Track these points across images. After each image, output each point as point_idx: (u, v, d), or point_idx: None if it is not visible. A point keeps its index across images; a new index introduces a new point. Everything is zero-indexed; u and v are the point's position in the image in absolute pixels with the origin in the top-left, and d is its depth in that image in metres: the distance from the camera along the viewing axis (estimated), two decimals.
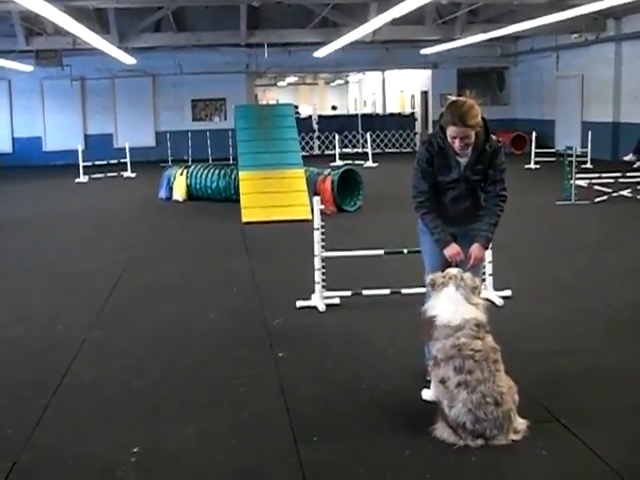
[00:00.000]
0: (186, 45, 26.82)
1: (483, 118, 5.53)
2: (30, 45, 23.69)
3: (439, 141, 5.63)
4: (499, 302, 8.15)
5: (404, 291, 8.27)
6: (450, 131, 5.46)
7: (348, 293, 8.42)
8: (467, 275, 5.28)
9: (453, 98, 5.58)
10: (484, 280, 7.75)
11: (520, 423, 4.99)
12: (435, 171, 5.69)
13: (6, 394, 6.07)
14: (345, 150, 28.72)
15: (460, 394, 4.88)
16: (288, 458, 4.83)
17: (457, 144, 5.48)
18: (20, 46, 23.38)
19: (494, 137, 5.68)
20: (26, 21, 22.01)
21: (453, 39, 24.75)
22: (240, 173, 15.50)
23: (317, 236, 8.26)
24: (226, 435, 5.19)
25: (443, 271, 5.48)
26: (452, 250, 5.65)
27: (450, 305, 5.15)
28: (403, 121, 32.29)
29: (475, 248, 5.65)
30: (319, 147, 30.96)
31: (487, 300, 6.14)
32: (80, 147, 24.17)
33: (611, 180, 16.09)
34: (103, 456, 4.93)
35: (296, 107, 37.09)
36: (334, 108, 47.79)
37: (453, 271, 5.31)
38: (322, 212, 8.40)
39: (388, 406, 5.59)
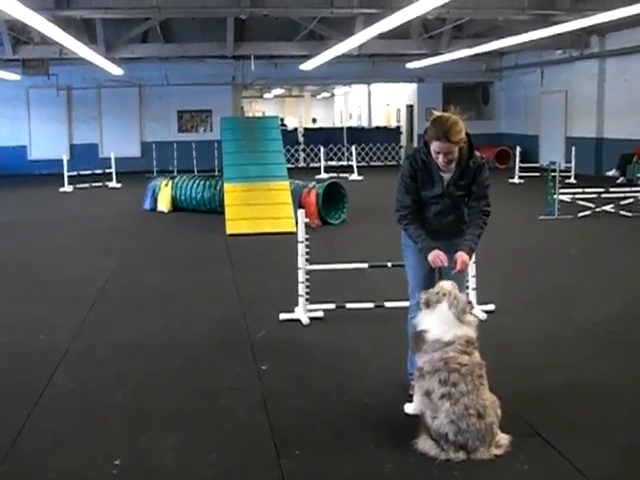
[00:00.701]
0: (173, 56, 26.89)
1: (467, 134, 5.54)
2: (17, 54, 23.70)
3: (423, 156, 5.64)
4: (482, 316, 8.15)
5: (388, 305, 8.28)
6: (434, 146, 5.47)
7: (332, 306, 8.42)
8: (460, 295, 5.27)
9: (438, 113, 5.58)
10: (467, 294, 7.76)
11: (502, 438, 5.00)
12: (419, 186, 5.71)
13: None
14: (330, 163, 28.72)
15: (443, 405, 4.90)
16: (270, 471, 4.82)
17: (440, 159, 5.50)
18: (7, 55, 23.38)
19: (478, 153, 5.70)
20: (13, 30, 22.02)
21: (439, 54, 24.88)
22: (225, 185, 15.50)
23: (301, 249, 8.26)
24: (208, 447, 5.17)
25: (427, 287, 5.49)
26: (434, 255, 5.60)
27: (442, 324, 5.15)
28: (388, 134, 32.35)
29: (459, 255, 5.62)
30: (304, 159, 30.98)
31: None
32: (65, 156, 24.21)
33: (594, 195, 16.15)
34: (84, 468, 4.90)
35: (282, 120, 37.15)
36: (314, 121, 47.94)
37: (447, 287, 5.28)
38: (307, 225, 8.41)
39: (371, 419, 5.60)
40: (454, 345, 5.05)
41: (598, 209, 15.68)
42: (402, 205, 5.77)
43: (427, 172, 5.66)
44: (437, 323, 5.17)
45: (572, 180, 21.47)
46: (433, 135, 5.45)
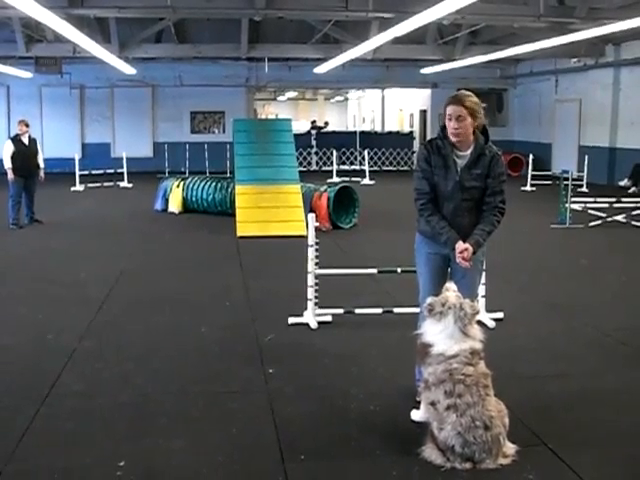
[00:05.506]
0: (186, 57, 26.87)
1: (484, 126, 5.64)
2: (30, 51, 23.57)
3: (438, 141, 5.70)
4: (491, 324, 8.13)
5: (396, 310, 8.27)
6: (448, 110, 5.57)
7: (340, 311, 8.41)
8: (466, 302, 5.17)
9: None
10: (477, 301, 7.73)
11: (509, 447, 4.98)
12: (434, 172, 5.68)
13: None
14: (343, 167, 28.72)
15: (449, 417, 4.87)
16: (275, 476, 4.80)
17: (452, 125, 5.55)
18: (20, 52, 23.26)
19: (495, 147, 5.69)
20: (26, 27, 21.95)
21: (453, 59, 24.82)
22: (236, 187, 15.52)
23: (311, 253, 8.25)
24: (213, 450, 5.17)
25: (437, 292, 5.43)
26: (461, 248, 5.57)
27: (447, 339, 5.07)
28: (401, 139, 32.32)
29: (464, 246, 5.57)
30: (317, 163, 30.96)
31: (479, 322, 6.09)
32: (77, 155, 24.26)
33: (606, 205, 16.11)
34: (89, 469, 4.89)
35: (326, 123, 37.00)
36: (326, 124, 47.94)
37: (452, 299, 5.19)
38: (317, 229, 8.39)
39: (377, 426, 5.58)
40: (459, 357, 5.01)
41: (609, 219, 15.65)
42: (421, 192, 5.75)
43: (441, 157, 5.66)
44: (442, 338, 5.09)
45: (584, 189, 21.46)
46: (447, 102, 5.61)
